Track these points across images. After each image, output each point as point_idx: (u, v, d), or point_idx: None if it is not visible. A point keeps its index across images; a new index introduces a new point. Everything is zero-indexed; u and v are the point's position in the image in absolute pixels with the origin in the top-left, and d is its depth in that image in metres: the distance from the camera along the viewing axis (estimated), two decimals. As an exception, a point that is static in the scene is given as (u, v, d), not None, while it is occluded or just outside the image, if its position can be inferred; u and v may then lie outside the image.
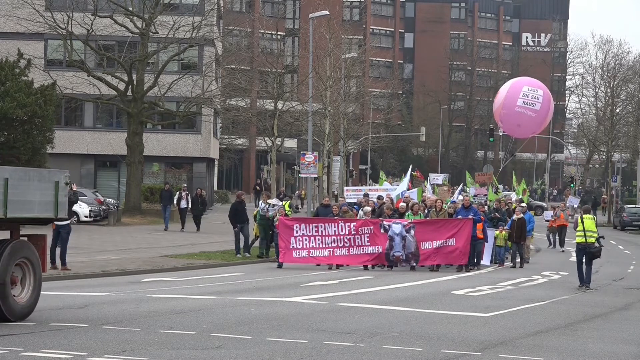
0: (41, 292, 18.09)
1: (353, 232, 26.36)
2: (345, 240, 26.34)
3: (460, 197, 33.14)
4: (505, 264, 29.48)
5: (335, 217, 27.36)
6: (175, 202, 40.85)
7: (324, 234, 26.38)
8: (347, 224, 26.55)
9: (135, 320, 14.47)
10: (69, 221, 22.86)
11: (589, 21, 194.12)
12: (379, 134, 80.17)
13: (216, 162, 66.47)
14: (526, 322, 16.29)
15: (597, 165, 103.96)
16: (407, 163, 68.64)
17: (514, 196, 43.60)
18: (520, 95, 39.67)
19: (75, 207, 31.01)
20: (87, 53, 47.96)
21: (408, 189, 36.18)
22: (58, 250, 22.64)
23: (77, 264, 23.78)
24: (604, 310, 18.89)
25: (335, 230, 26.39)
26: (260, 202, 30.08)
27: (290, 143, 71.09)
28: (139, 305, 16.51)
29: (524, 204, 33.19)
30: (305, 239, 26.40)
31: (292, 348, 12.40)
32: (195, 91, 47.17)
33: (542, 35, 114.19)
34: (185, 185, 43.21)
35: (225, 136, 70.03)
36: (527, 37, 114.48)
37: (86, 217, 41.97)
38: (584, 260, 23.14)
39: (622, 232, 59.10)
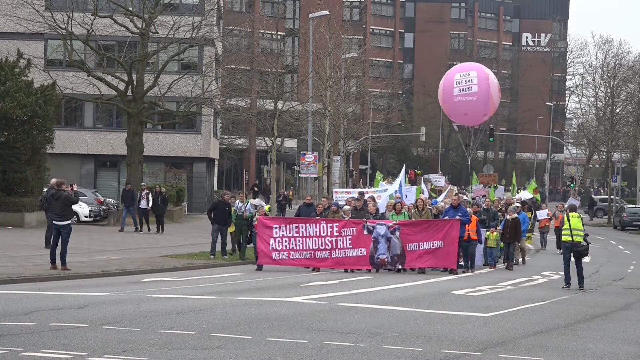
0: (41, 292, 18.09)
1: (335, 234, 25.12)
2: (327, 242, 25.11)
3: (442, 199, 32.36)
4: (497, 266, 28.86)
5: (318, 217, 26.19)
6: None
7: (304, 235, 25.12)
8: (329, 225, 25.30)
9: (135, 320, 14.48)
10: (69, 221, 22.86)
11: (589, 21, 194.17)
12: (379, 134, 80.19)
13: (216, 162, 66.48)
14: (526, 322, 16.30)
15: (597, 165, 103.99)
16: (407, 163, 68.67)
17: (524, 194, 43.14)
18: (454, 85, 38.93)
19: (76, 207, 30.95)
20: (87, 53, 47.94)
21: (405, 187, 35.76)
22: (58, 251, 22.63)
23: (77, 264, 23.77)
24: (604, 310, 18.89)
25: (316, 232, 25.11)
26: (237, 201, 29.13)
27: (290, 143, 71.10)
28: (139, 305, 16.51)
29: (518, 204, 32.56)
30: (285, 241, 25.15)
31: (292, 348, 12.40)
32: (195, 91, 47.16)
33: (542, 35, 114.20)
34: (144, 184, 41.43)
35: (225, 136, 70.02)
36: (527, 37, 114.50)
37: (86, 217, 41.98)
38: (571, 259, 23.14)
39: (622, 232, 59.12)
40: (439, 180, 50.46)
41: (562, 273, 23.81)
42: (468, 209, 27.39)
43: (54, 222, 22.98)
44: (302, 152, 46.20)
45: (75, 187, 23.98)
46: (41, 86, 40.47)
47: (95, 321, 14.29)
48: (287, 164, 78.97)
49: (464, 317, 16.57)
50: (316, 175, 47.80)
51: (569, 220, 23.04)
